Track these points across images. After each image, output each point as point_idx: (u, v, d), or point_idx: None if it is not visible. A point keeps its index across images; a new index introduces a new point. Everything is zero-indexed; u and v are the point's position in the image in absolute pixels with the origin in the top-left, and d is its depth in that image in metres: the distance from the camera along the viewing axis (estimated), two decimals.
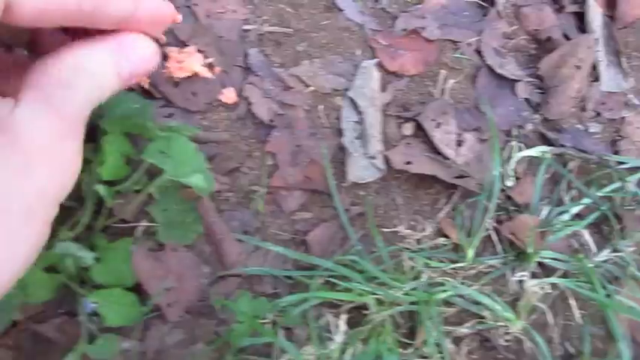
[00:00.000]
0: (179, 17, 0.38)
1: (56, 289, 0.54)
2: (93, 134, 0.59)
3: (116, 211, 0.56)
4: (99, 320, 0.54)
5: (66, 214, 0.55)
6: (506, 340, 0.61)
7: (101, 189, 0.53)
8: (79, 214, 0.54)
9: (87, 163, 0.55)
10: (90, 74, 0.31)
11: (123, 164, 0.56)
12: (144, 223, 0.57)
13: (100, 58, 0.32)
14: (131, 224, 0.57)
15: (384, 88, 0.69)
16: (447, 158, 0.66)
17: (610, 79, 0.76)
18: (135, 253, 0.54)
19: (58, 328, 0.54)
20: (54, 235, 0.54)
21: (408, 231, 0.63)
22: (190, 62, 0.58)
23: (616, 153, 0.71)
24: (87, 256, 0.50)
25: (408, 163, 0.65)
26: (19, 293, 0.51)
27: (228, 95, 0.62)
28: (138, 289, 0.55)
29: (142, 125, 0.54)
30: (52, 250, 0.52)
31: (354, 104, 0.67)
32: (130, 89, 0.61)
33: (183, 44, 0.62)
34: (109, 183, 0.55)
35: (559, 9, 0.78)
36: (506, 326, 0.61)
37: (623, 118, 0.74)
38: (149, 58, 0.34)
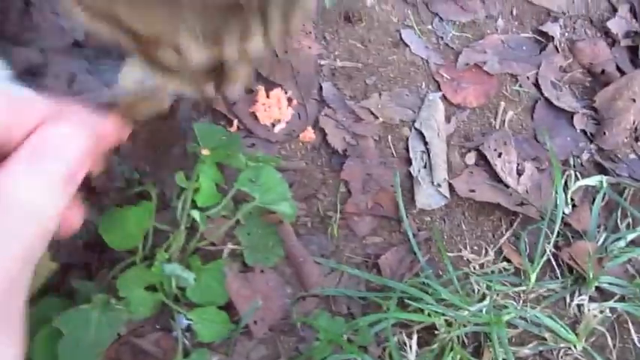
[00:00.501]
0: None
1: (155, 306, 0.59)
2: (182, 162, 0.65)
3: (207, 234, 0.61)
4: (192, 336, 0.58)
5: (161, 237, 0.60)
6: None
7: (196, 214, 0.58)
8: (172, 237, 0.59)
9: (181, 190, 0.60)
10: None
11: (215, 192, 0.61)
12: (230, 246, 0.62)
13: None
14: (219, 247, 0.62)
15: (448, 120, 0.73)
16: (508, 186, 0.70)
17: None
18: (228, 274, 0.59)
19: (155, 342, 0.59)
20: (151, 256, 0.59)
21: (473, 255, 0.67)
22: (276, 111, 0.64)
23: None
24: (188, 277, 0.55)
25: (472, 191, 0.69)
26: (125, 310, 0.56)
27: (308, 135, 0.67)
28: (228, 308, 0.59)
29: (233, 156, 0.59)
30: (154, 271, 0.57)
31: (420, 135, 0.71)
32: (217, 123, 0.67)
33: (265, 80, 0.67)
34: (203, 209, 0.60)
35: (612, 43, 0.82)
36: (567, 347, 0.64)
37: None
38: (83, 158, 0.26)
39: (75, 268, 0.59)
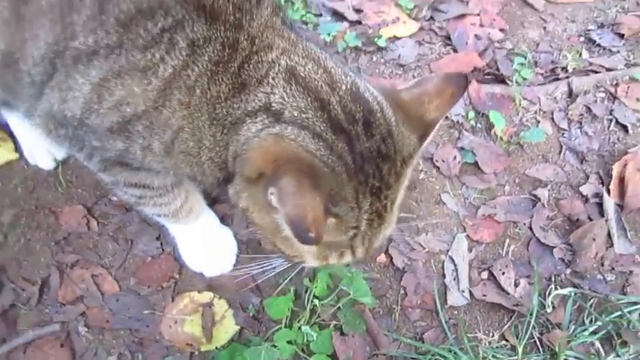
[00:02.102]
0: None
1: (291, 353, 1.04)
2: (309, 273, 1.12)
3: (321, 313, 1.07)
4: None
5: (295, 314, 1.07)
6: None
7: (316, 302, 1.06)
8: (302, 314, 1.05)
9: (307, 288, 1.08)
10: None
11: (326, 289, 1.09)
12: (334, 322, 1.08)
13: None
14: (328, 322, 1.08)
15: (470, 250, 1.17)
16: (509, 293, 1.11)
17: (620, 246, 1.19)
18: (334, 337, 1.04)
19: None
20: (291, 324, 1.06)
21: (484, 336, 1.08)
22: None
23: (624, 294, 1.12)
24: (314, 335, 1.01)
25: (484, 295, 1.11)
26: (278, 352, 1.02)
27: (382, 258, 1.14)
28: (333, 356, 1.04)
29: (340, 270, 1.07)
30: (293, 331, 1.03)
31: (451, 259, 1.15)
32: None
33: None
34: (319, 298, 1.07)
35: (585, 200, 1.24)
36: None
37: (630, 272, 1.16)
38: None
39: (246, 330, 1.07)
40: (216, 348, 1.02)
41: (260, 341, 1.02)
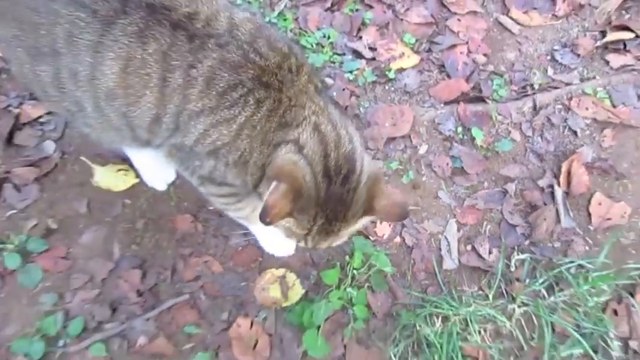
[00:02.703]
0: None
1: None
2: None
3: (357, 279, 1.63)
4: None
5: (339, 282, 1.63)
6: None
7: (354, 272, 1.62)
8: (343, 280, 1.61)
9: (347, 263, 1.64)
10: None
11: (360, 262, 1.64)
12: (367, 284, 1.64)
13: None
14: (362, 284, 1.64)
15: (458, 230, 1.71)
16: (485, 259, 1.65)
17: (565, 222, 1.71)
18: (368, 294, 1.60)
19: None
20: (339, 286, 1.62)
21: (467, 288, 1.62)
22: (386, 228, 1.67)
23: (566, 256, 1.65)
24: (354, 293, 1.58)
25: (468, 261, 1.65)
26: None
27: (396, 240, 1.69)
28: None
29: (369, 250, 1.63)
30: (342, 291, 1.60)
31: (446, 238, 1.69)
32: None
33: None
34: (356, 269, 1.63)
35: (542, 190, 1.76)
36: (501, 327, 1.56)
37: (571, 241, 1.68)
38: None
39: (310, 292, 1.63)
40: (291, 304, 1.59)
41: (320, 299, 1.58)
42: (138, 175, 1.76)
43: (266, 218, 1.07)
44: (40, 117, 1.88)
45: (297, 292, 1.59)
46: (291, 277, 1.61)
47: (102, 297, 1.60)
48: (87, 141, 1.67)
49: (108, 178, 1.76)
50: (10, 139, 1.82)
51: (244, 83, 1.13)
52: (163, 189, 1.75)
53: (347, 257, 1.61)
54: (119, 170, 1.77)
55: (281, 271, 1.62)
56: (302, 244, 1.23)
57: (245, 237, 1.66)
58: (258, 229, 1.59)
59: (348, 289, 1.55)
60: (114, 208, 1.73)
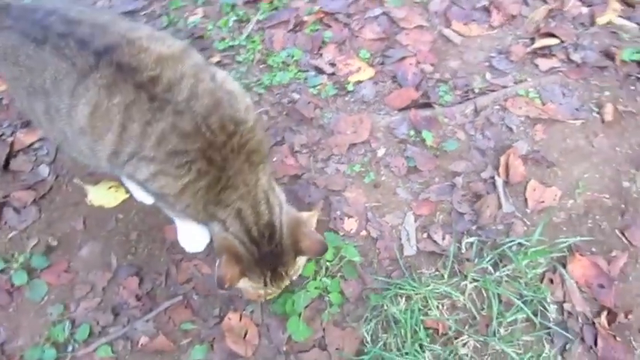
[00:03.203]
0: None
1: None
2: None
3: (330, 269, 1.86)
4: None
5: (315, 274, 1.86)
6: None
7: (328, 264, 1.85)
8: (319, 272, 1.84)
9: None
10: None
11: (332, 255, 1.87)
12: (339, 274, 1.87)
13: None
14: (335, 274, 1.87)
15: (415, 221, 1.95)
16: (439, 244, 1.90)
17: (506, 208, 1.97)
18: (340, 282, 1.83)
19: None
20: (315, 277, 1.85)
21: (426, 271, 1.87)
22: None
23: (508, 237, 1.91)
24: (328, 282, 1.80)
25: (425, 247, 1.90)
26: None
27: (363, 233, 1.93)
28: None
29: (339, 243, 1.86)
30: (319, 281, 1.82)
31: (405, 228, 1.93)
32: None
33: None
34: (329, 261, 1.86)
35: (485, 181, 2.02)
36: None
37: (511, 223, 1.94)
38: None
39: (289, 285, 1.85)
40: (274, 297, 1.80)
41: (299, 289, 1.79)
42: (128, 191, 1.95)
43: (224, 285, 1.39)
44: (32, 143, 2.06)
45: None
46: None
47: (104, 304, 1.79)
48: (77, 163, 1.86)
49: (100, 196, 1.95)
50: (6, 166, 1.99)
51: (189, 153, 1.32)
52: (151, 202, 1.94)
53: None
54: (110, 187, 1.96)
55: None
56: (269, 293, 1.56)
57: None
58: (180, 224, 1.81)
59: (324, 279, 1.77)
60: (108, 223, 1.92)
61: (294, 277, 1.58)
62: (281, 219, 1.47)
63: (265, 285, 1.50)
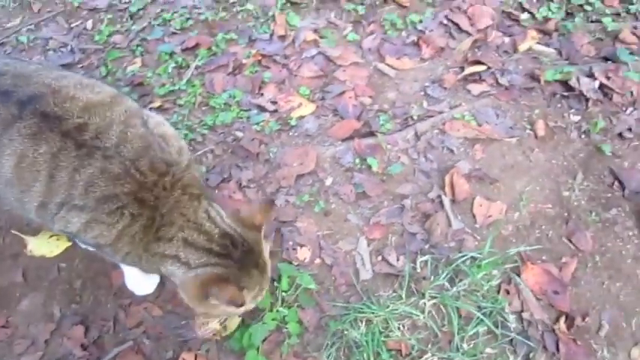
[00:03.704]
0: None
1: None
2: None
3: (287, 300, 1.79)
4: None
5: (271, 306, 1.79)
6: None
7: (284, 294, 1.78)
8: (275, 303, 1.77)
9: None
10: None
11: (287, 285, 1.81)
12: (296, 304, 1.80)
13: None
14: (292, 304, 1.80)
15: (368, 245, 1.92)
16: (394, 266, 1.87)
17: (456, 225, 1.97)
18: (298, 311, 1.76)
19: None
20: (272, 309, 1.77)
21: (383, 292, 1.83)
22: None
23: (460, 252, 1.90)
24: (286, 312, 1.73)
25: (381, 269, 1.86)
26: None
27: (317, 262, 1.88)
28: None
29: (295, 272, 1.80)
30: (275, 312, 1.75)
31: (359, 253, 1.90)
32: None
33: None
34: (285, 291, 1.79)
35: (432, 201, 2.03)
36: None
37: (462, 239, 1.94)
38: None
39: (245, 319, 1.77)
40: (230, 333, 1.71)
41: (256, 323, 1.72)
42: (70, 239, 1.84)
43: (242, 304, 1.35)
44: None
45: (234, 321, 1.71)
46: None
47: (47, 357, 1.65)
48: (12, 216, 1.76)
49: (41, 246, 1.84)
50: None
51: (119, 197, 1.30)
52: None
53: (275, 283, 1.76)
54: (51, 236, 1.85)
55: None
56: (262, 294, 1.48)
57: None
58: (125, 268, 1.72)
59: (280, 310, 1.70)
60: (50, 272, 1.81)
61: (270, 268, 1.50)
62: (227, 222, 1.42)
63: (258, 285, 1.43)
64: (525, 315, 1.73)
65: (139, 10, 2.55)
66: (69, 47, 2.41)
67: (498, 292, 1.77)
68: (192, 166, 1.46)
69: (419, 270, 1.82)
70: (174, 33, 2.47)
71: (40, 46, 2.45)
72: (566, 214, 1.94)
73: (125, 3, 2.59)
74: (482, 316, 1.69)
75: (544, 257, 1.85)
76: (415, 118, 2.21)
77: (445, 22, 2.56)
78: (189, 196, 1.39)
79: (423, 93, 2.32)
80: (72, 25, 2.51)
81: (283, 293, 1.74)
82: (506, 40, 2.50)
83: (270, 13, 2.56)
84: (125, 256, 1.42)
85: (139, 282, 1.74)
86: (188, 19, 2.52)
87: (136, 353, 1.67)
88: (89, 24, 2.51)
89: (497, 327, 1.69)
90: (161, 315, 1.73)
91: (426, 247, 1.88)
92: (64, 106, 1.31)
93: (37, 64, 1.57)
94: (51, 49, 2.43)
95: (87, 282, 1.80)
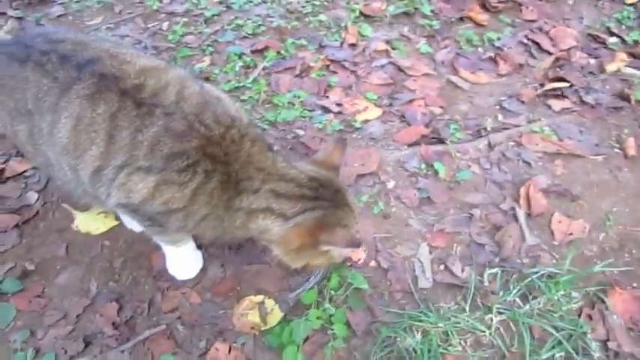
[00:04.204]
0: None
1: None
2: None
3: (335, 299, 1.60)
4: None
5: (318, 304, 1.60)
6: None
7: (332, 292, 1.59)
8: (322, 302, 1.58)
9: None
10: None
11: (337, 284, 1.62)
12: (345, 305, 1.60)
13: None
14: (340, 304, 1.60)
15: (430, 253, 1.72)
16: (458, 277, 1.65)
17: (531, 240, 1.74)
18: (347, 312, 1.56)
19: None
20: (318, 306, 1.58)
21: (444, 304, 1.60)
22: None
23: (536, 271, 1.66)
24: (333, 310, 1.54)
25: (442, 279, 1.65)
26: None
27: (372, 264, 1.69)
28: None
29: (347, 271, 1.61)
30: (321, 311, 1.55)
31: (419, 260, 1.70)
32: None
33: None
34: (333, 290, 1.60)
35: (505, 213, 1.81)
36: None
37: (538, 255, 1.70)
38: None
39: (288, 315, 1.58)
40: (270, 327, 1.54)
41: (299, 319, 1.53)
42: (118, 218, 1.76)
43: (358, 240, 1.30)
44: (25, 171, 1.91)
45: (275, 316, 1.55)
46: (270, 303, 1.57)
47: (75, 332, 1.54)
48: (66, 193, 1.69)
49: (88, 222, 1.76)
50: None
51: (189, 153, 1.22)
52: (141, 230, 1.74)
53: (324, 281, 1.59)
54: (99, 213, 1.77)
55: (259, 298, 1.58)
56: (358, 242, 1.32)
57: (223, 269, 1.63)
58: (169, 250, 1.59)
59: (327, 306, 1.51)
60: (92, 249, 1.72)
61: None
62: (308, 167, 1.38)
63: (353, 227, 1.37)
64: (611, 345, 1.47)
65: (213, 15, 2.55)
66: (143, 44, 2.42)
67: (579, 315, 1.51)
68: (253, 126, 1.36)
69: (486, 283, 1.59)
70: (245, 37, 2.44)
71: None
72: None
73: (201, 9, 2.59)
74: (560, 338, 1.43)
75: (635, 284, 1.58)
76: (489, 129, 2.03)
77: (525, 41, 2.41)
78: (259, 148, 1.30)
79: (498, 107, 2.15)
80: (148, 26, 2.53)
81: (332, 292, 1.55)
82: (592, 61, 2.31)
83: (343, 24, 2.48)
84: (201, 220, 1.30)
85: (182, 266, 1.61)
86: (260, 25, 2.49)
87: (168, 338, 1.51)
88: (165, 25, 2.52)
89: (577, 353, 1.42)
90: (199, 302, 1.58)
91: (496, 260, 1.66)
92: (120, 67, 1.26)
93: (96, 37, 1.53)
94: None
95: (127, 262, 1.69)
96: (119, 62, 1.27)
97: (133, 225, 1.73)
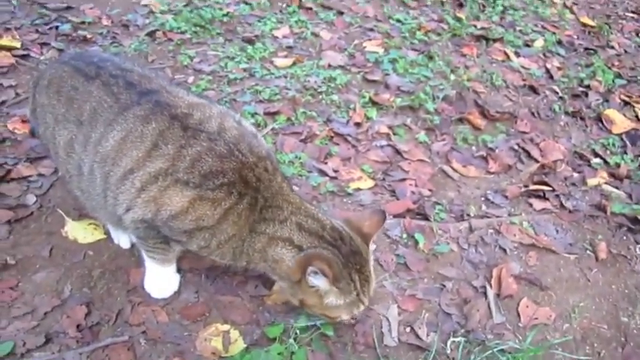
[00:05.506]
0: None
1: None
2: None
3: (299, 339, 1.59)
4: None
5: (280, 340, 1.59)
6: None
7: (297, 332, 1.59)
8: (286, 340, 1.57)
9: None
10: None
11: (304, 325, 1.62)
12: (308, 347, 1.59)
13: None
14: (303, 344, 1.59)
15: (399, 315, 1.72)
16: (423, 340, 1.65)
17: (497, 318, 1.75)
18: (308, 352, 1.55)
19: None
20: (280, 342, 1.57)
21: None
22: None
23: (498, 344, 1.66)
24: (295, 347, 1.53)
25: (407, 340, 1.64)
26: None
27: None
28: None
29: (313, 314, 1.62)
30: (284, 347, 1.54)
31: (387, 319, 1.70)
32: None
33: None
34: (299, 329, 1.60)
35: (476, 290, 1.83)
36: None
37: (502, 333, 1.71)
38: None
39: (250, 347, 1.57)
40: (230, 356, 1.52)
41: (261, 351, 1.52)
42: (107, 233, 1.80)
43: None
44: (30, 176, 1.98)
45: (238, 346, 1.54)
46: (235, 334, 1.58)
47: (39, 328, 1.54)
48: (69, 200, 1.76)
49: (77, 230, 1.81)
50: None
51: (226, 173, 1.33)
52: (127, 247, 1.78)
53: (291, 320, 1.60)
54: (90, 224, 1.82)
55: (226, 327, 1.59)
56: (360, 307, 1.42)
57: (197, 294, 1.65)
58: (154, 269, 1.61)
59: (291, 342, 1.51)
60: (75, 256, 1.75)
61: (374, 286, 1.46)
62: (338, 222, 1.43)
63: (358, 294, 1.39)
64: None
65: (236, 79, 2.74)
66: None
67: None
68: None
69: (449, 350, 1.60)
70: (261, 101, 2.60)
71: None
72: (623, 338, 1.70)
73: (226, 72, 2.79)
74: None
75: None
76: (472, 215, 2.11)
77: (516, 147, 2.55)
78: (287, 185, 1.43)
79: (483, 198, 2.24)
80: (176, 77, 2.70)
81: (297, 331, 1.55)
82: (575, 175, 2.44)
83: (352, 106, 2.66)
84: (225, 241, 1.38)
85: (159, 285, 1.63)
86: (277, 94, 2.66)
87: (128, 350, 1.50)
88: (190, 79, 2.70)
89: None
90: (166, 322, 1.58)
91: (461, 330, 1.67)
92: (174, 99, 1.42)
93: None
94: None
95: (106, 273, 1.71)
96: (173, 96, 1.43)
97: (121, 241, 1.77)
